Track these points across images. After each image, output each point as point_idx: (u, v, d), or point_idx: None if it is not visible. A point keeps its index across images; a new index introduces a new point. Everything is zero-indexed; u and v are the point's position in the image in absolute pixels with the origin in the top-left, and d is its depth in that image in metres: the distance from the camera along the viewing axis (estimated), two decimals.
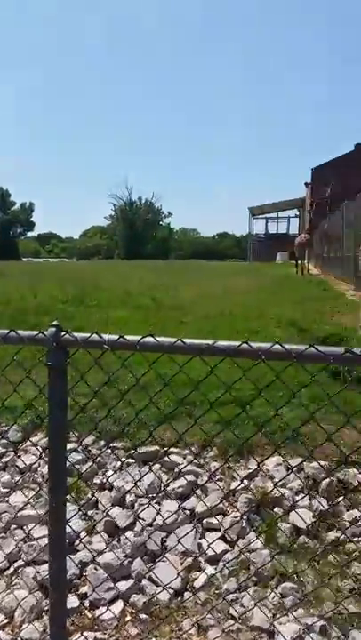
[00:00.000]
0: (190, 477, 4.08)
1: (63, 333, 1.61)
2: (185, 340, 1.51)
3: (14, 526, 3.83)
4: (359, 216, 15.18)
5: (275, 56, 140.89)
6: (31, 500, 3.94)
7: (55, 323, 1.64)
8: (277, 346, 1.34)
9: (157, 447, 4.27)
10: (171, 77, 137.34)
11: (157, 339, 1.54)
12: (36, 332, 1.65)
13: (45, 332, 1.62)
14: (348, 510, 3.82)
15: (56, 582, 1.60)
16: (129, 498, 3.96)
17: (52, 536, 1.59)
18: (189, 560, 3.44)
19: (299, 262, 21.51)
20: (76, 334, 1.61)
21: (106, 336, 1.60)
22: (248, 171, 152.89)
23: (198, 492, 4.04)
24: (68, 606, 3.06)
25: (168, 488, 4.00)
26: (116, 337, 1.58)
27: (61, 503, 1.60)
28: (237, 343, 1.40)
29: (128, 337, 1.57)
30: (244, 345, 1.38)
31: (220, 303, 11.70)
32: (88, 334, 1.61)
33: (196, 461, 4.28)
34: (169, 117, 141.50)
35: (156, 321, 9.14)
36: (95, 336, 1.59)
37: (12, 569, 3.53)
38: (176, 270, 22.53)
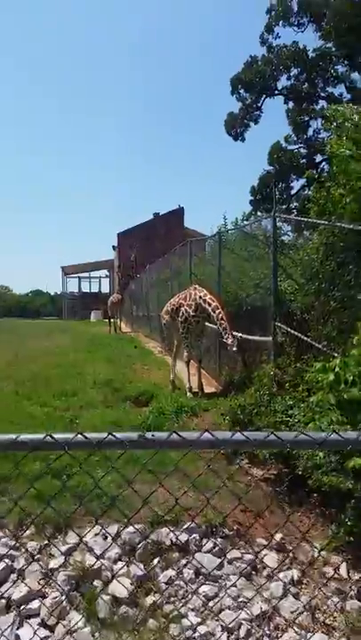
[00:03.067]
0: (6, 562, 3.85)
1: None
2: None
3: None
4: (160, 279, 16.73)
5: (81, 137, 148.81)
6: None
7: None
8: (80, 436, 1.54)
9: None
10: None
11: None
12: None
13: None
14: (163, 571, 4.03)
15: None
16: None
17: None
18: None
19: (112, 321, 22.33)
20: None
21: None
22: (61, 228, 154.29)
23: (14, 576, 3.84)
24: None
25: None
26: None
27: None
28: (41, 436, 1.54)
29: None
30: (48, 437, 1.53)
31: (37, 365, 11.40)
32: None
33: (10, 543, 4.07)
34: None
35: None
36: None
37: None
38: None
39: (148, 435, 1.39)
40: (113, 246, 37.86)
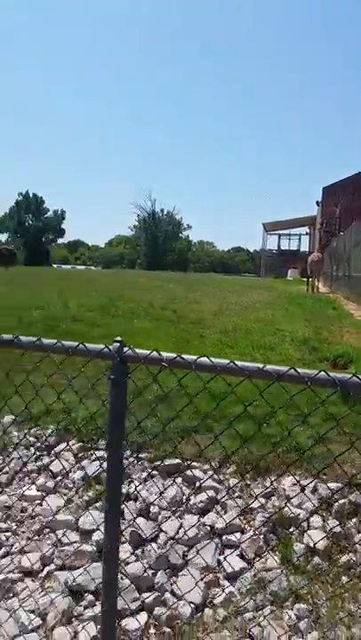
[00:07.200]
0: (210, 493, 4.12)
1: (126, 349, 1.68)
2: (237, 363, 1.56)
3: (47, 530, 3.90)
4: None
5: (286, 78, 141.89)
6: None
7: (118, 338, 1.71)
8: (292, 370, 1.43)
9: (179, 461, 4.31)
10: (188, 94, 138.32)
11: (212, 360, 1.59)
12: (102, 347, 1.72)
13: (110, 347, 1.69)
14: (359, 533, 3.84)
15: (109, 590, 1.65)
16: (153, 509, 4.00)
17: (107, 545, 1.64)
18: (210, 576, 3.47)
19: (310, 280, 21.56)
20: (137, 350, 1.68)
21: (164, 354, 1.67)
22: (263, 186, 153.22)
23: (218, 507, 4.08)
24: (92, 613, 3.12)
25: (190, 502, 4.04)
26: (174, 355, 1.64)
27: (117, 513, 1.66)
28: (285, 368, 1.47)
29: (185, 356, 1.63)
30: (292, 371, 1.44)
31: (237, 317, 11.80)
32: (148, 351, 1.68)
33: (215, 477, 4.32)
34: (185, 137, 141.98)
35: (177, 334, 9.28)
36: (155, 353, 1.66)
37: (45, 572, 3.59)
38: (195, 283, 22.62)
39: None
40: (316, 202, 36.04)
